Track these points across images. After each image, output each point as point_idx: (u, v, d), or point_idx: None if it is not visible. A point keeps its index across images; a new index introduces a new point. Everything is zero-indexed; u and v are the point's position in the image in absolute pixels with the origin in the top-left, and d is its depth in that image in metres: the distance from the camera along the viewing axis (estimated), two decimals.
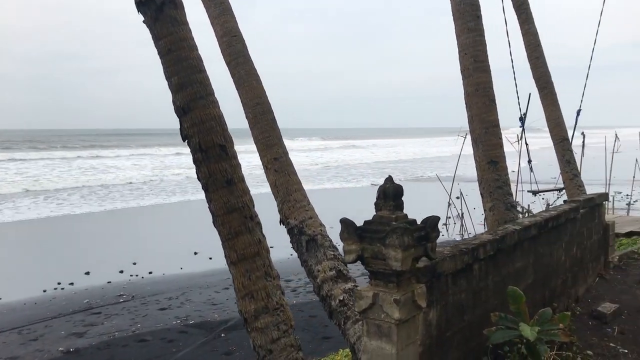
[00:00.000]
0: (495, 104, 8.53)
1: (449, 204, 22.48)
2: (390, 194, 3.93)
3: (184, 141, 4.60)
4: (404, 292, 3.81)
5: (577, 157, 25.60)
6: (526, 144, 14.26)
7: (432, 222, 4.00)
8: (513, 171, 17.82)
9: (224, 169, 4.49)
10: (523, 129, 14.15)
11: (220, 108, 4.68)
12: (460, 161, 21.82)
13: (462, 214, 22.97)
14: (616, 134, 27.04)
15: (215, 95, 4.68)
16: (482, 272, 5.05)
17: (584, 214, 7.79)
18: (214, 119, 4.51)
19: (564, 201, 7.93)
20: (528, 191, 15.95)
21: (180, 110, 4.50)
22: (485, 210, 8.52)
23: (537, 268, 6.25)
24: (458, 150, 21.19)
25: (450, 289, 4.58)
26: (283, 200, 6.84)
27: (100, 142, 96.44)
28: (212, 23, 7.54)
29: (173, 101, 4.54)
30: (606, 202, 8.71)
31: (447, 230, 22.25)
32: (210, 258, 16.17)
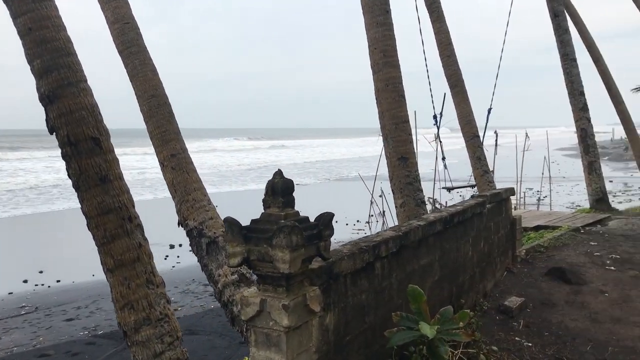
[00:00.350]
0: (405, 100, 8.42)
1: (371, 202, 22.62)
2: (279, 190, 3.58)
3: (50, 134, 4.04)
4: (295, 296, 3.47)
5: (491, 156, 26.52)
6: (440, 142, 14.46)
7: (325, 220, 3.68)
8: (432, 169, 18.06)
9: (97, 165, 3.97)
10: (437, 128, 14.32)
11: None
12: (382, 160, 21.98)
13: (384, 211, 23.20)
14: (526, 134, 28.25)
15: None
16: (384, 270, 4.80)
17: (490, 209, 7.81)
18: (85, 109, 3.98)
19: (471, 196, 7.92)
20: (442, 188, 16.20)
21: (45, 98, 3.94)
22: (396, 206, 8.40)
23: (444, 264, 6.12)
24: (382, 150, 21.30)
25: (350, 289, 4.29)
26: (181, 200, 6.35)
27: (12, 142, 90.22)
28: (102, 8, 6.92)
29: (37, 88, 3.97)
30: (513, 196, 8.81)
31: (370, 228, 22.38)
32: None
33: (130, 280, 3.98)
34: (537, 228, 12.53)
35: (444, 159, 14.79)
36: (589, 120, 14.86)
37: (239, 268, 5.96)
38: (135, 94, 6.75)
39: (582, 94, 14.94)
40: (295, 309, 3.45)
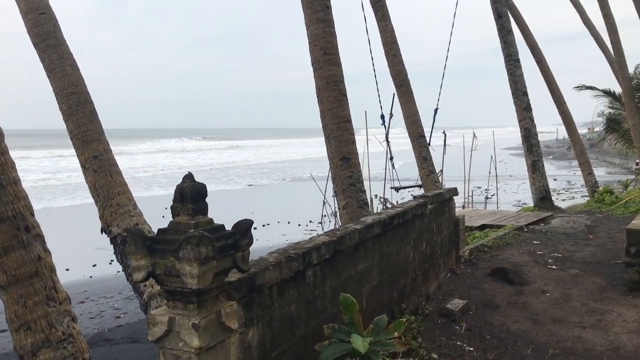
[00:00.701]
0: (347, 99, 8.15)
1: (324, 203, 22.39)
2: (188, 195, 3.20)
3: None
4: (207, 313, 3.11)
5: (439, 155, 26.72)
6: (387, 142, 14.34)
7: (242, 228, 3.33)
8: (384, 169, 17.91)
9: None
10: (385, 128, 14.17)
11: None
12: None
13: (336, 212, 23.02)
14: (474, 134, 28.68)
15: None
16: (317, 278, 4.49)
17: (433, 210, 7.63)
18: None
19: (413, 197, 7.73)
20: (391, 188, 16.09)
21: None
22: (339, 208, 8.12)
23: (384, 268, 5.87)
24: None
25: (277, 301, 3.95)
26: (104, 205, 5.86)
27: None
28: None
29: None
30: (457, 196, 8.69)
31: (323, 229, 22.14)
32: None
33: (27, 298, 3.53)
34: (482, 227, 12.53)
35: (391, 158, 14.68)
36: (532, 119, 15.05)
37: None
38: (53, 90, 6.22)
39: (526, 94, 15.11)
40: (208, 327, 3.09)
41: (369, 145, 18.07)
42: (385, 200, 22.30)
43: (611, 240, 10.57)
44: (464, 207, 24.58)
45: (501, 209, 22.65)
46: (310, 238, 4.74)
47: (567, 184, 41.80)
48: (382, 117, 13.98)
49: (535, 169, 15.01)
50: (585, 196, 33.02)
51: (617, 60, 20.42)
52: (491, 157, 25.80)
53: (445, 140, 26.11)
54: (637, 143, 19.91)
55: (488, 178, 26.93)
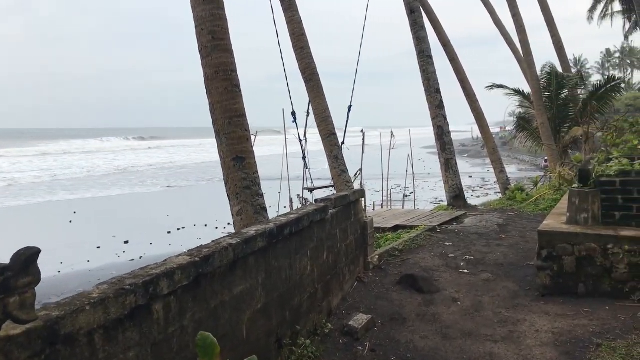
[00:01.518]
0: (240, 91, 7.17)
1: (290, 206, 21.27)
2: None
3: None
4: None
5: (358, 154, 26.20)
6: (299, 140, 13.50)
7: (19, 261, 2.28)
8: (308, 168, 17.00)
9: None
10: (296, 124, 13.31)
11: None
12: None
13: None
14: (392, 132, 28.49)
15: None
16: (171, 312, 3.50)
17: (336, 214, 6.82)
18: None
19: (315, 200, 6.88)
20: (304, 188, 15.28)
21: None
22: (232, 214, 7.12)
23: (272, 287, 4.96)
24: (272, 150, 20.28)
25: (103, 351, 2.92)
26: None
27: None
28: None
29: None
30: (363, 197, 7.94)
31: None
32: None
33: None
34: (395, 228, 11.95)
35: (304, 157, 13.87)
36: (445, 117, 14.73)
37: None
38: None
39: (438, 91, 14.77)
40: None
41: (289, 145, 17.21)
42: (305, 200, 21.52)
43: (523, 240, 10.26)
44: (382, 206, 24.29)
45: (417, 208, 22.48)
46: (165, 260, 3.72)
47: (481, 181, 43.04)
48: (294, 114, 13.12)
49: (449, 167, 14.70)
50: (499, 193, 34.02)
51: (525, 60, 20.75)
52: (408, 155, 25.63)
53: (363, 139, 25.73)
54: (546, 141, 20.33)
55: (405, 176, 26.79)
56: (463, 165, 58.75)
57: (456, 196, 14.66)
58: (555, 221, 7.53)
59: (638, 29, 54.46)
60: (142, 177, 44.86)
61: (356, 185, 24.34)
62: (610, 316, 6.18)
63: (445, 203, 15.59)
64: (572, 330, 5.91)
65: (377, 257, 8.41)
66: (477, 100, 17.85)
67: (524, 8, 20.79)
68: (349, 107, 14.34)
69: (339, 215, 6.93)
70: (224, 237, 4.46)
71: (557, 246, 6.88)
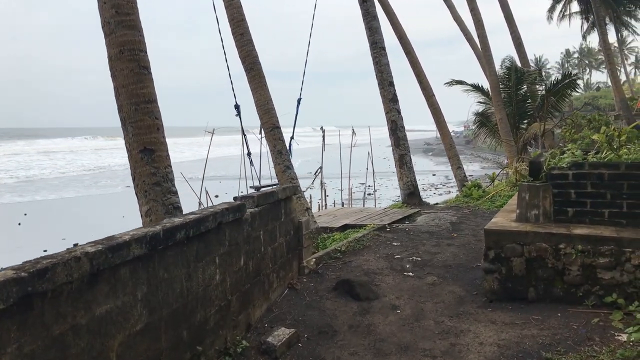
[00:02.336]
0: (150, 74, 6.22)
1: (199, 205, 20.18)
2: None
3: None
4: None
5: (318, 152, 25.36)
6: (244, 135, 12.55)
7: None
8: (253, 165, 15.98)
9: None
10: (240, 118, 12.36)
11: None
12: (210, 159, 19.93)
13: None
14: (353, 130, 27.81)
15: None
16: None
17: (260, 214, 5.95)
18: None
19: (234, 198, 5.99)
20: (251, 187, 14.29)
21: None
22: (141, 215, 6.18)
23: (159, 302, 4.06)
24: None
25: None
26: None
27: None
28: None
29: None
30: (296, 195, 7.09)
31: None
32: None
33: None
34: (344, 227, 11.14)
35: (249, 154, 12.92)
36: (398, 112, 14.01)
37: None
38: None
39: (392, 84, 14.04)
40: None
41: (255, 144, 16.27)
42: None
43: (475, 239, 9.56)
44: (343, 205, 23.54)
45: (379, 206, 21.82)
46: None
47: (445, 178, 42.81)
48: (237, 107, 12.17)
49: (403, 163, 13.98)
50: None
51: (484, 55, 20.27)
52: (368, 153, 24.97)
53: (324, 137, 24.93)
54: (505, 137, 19.88)
55: (366, 174, 26.13)
56: (427, 163, 58.80)
57: (411, 193, 13.96)
58: (504, 219, 6.83)
59: (595, 29, 55.35)
60: (101, 177, 43.13)
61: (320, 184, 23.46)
62: (562, 324, 5.48)
63: (399, 202, 14.87)
64: (519, 342, 5.18)
65: (314, 260, 7.57)
66: (434, 95, 17.23)
67: (483, 9, 20.32)
68: (298, 100, 13.46)
69: (263, 215, 6.06)
70: (85, 244, 3.54)
71: (505, 246, 6.16)
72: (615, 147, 6.74)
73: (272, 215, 6.35)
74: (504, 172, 18.31)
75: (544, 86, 22.47)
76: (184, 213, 5.63)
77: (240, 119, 12.40)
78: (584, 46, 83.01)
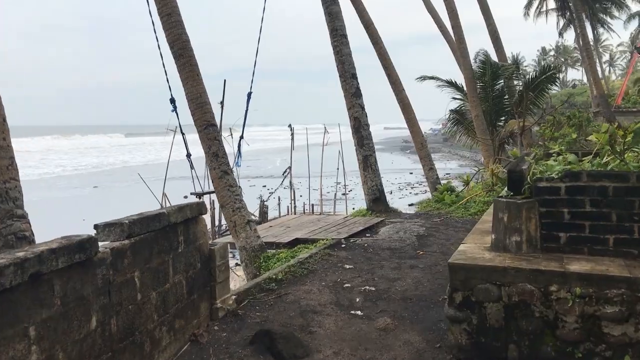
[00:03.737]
0: None
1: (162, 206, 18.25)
2: None
3: None
4: None
5: (287, 151, 23.53)
6: (182, 134, 10.73)
7: None
8: (194, 168, 13.94)
9: None
10: (177, 114, 10.54)
11: None
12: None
13: None
14: (325, 128, 26.08)
15: None
16: None
17: (131, 247, 4.14)
18: None
19: (94, 226, 4.16)
20: (191, 194, 12.48)
21: None
22: None
23: None
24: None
25: None
26: None
27: None
28: None
29: None
30: (202, 214, 5.27)
31: None
32: None
33: None
34: (295, 242, 9.39)
35: (188, 155, 11.12)
36: (362, 107, 12.25)
37: None
38: None
39: (355, 76, 12.28)
40: None
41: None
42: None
43: (444, 258, 7.85)
44: (313, 208, 21.81)
45: (328, 214, 20.14)
46: None
47: (422, 177, 41.25)
48: (172, 101, 10.36)
49: (367, 165, 12.23)
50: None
51: (458, 47, 18.64)
52: (339, 152, 23.25)
53: (292, 136, 23.16)
54: (481, 135, 18.29)
55: (337, 174, 24.42)
56: (405, 161, 57.38)
57: (376, 199, 12.23)
58: (476, 245, 5.11)
59: (571, 26, 54.33)
60: (65, 179, 40.80)
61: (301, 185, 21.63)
62: None
63: (364, 207, 13.13)
64: None
65: (234, 298, 5.77)
66: (404, 90, 15.53)
67: (460, 6, 18.67)
68: (249, 95, 11.69)
69: (140, 249, 4.25)
70: None
71: (476, 287, 4.44)
72: (619, 150, 5.06)
73: (159, 246, 4.54)
74: (480, 173, 16.69)
75: (521, 81, 20.94)
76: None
77: (177, 114, 10.57)
78: (559, 44, 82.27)
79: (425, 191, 33.87)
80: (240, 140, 11.56)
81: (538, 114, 21.18)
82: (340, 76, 12.35)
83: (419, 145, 15.64)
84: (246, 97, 11.56)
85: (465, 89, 19.97)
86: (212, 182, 9.07)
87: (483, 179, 14.76)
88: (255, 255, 8.66)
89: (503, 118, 19.95)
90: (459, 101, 21.74)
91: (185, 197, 19.24)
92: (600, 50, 76.51)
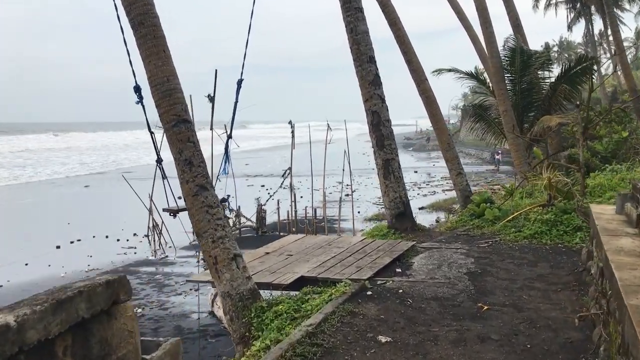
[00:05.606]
0: None
1: (150, 212, 15.60)
2: None
3: None
4: None
5: (288, 149, 20.73)
6: (151, 133, 8.03)
7: None
8: (166, 178, 10.66)
9: None
10: (142, 106, 7.79)
11: None
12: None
13: (156, 224, 16.35)
14: (328, 125, 23.40)
15: None
16: None
17: None
18: None
19: None
20: (164, 210, 9.73)
21: None
22: None
23: None
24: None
25: None
26: None
27: None
28: None
29: None
30: (128, 296, 2.60)
31: (151, 244, 15.93)
32: None
33: None
34: (300, 282, 6.67)
35: (159, 161, 8.41)
36: (382, 99, 9.54)
37: None
38: None
39: (373, 60, 9.57)
40: None
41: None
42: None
43: (521, 318, 5.20)
44: (315, 212, 19.14)
45: (332, 237, 17.46)
46: None
47: (427, 176, 38.61)
48: (137, 90, 7.67)
49: (389, 172, 9.52)
50: (447, 190, 29.43)
51: (484, 33, 15.84)
52: (344, 151, 20.52)
53: (293, 132, 20.43)
54: (509, 132, 15.58)
55: (342, 175, 21.72)
56: (408, 159, 54.57)
57: (400, 214, 9.53)
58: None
59: (581, 19, 51.65)
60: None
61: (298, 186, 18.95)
62: None
63: (384, 221, 10.40)
64: None
65: None
66: (427, 79, 12.83)
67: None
68: (239, 82, 8.96)
69: None
70: None
71: None
72: None
73: None
74: (515, 179, 13.97)
75: (549, 73, 18.22)
76: None
77: (144, 106, 7.83)
78: (563, 39, 79.44)
79: (434, 192, 31.19)
80: (228, 140, 8.88)
81: (572, 109, 18.53)
82: (354, 60, 9.63)
83: (446, 145, 12.93)
84: (236, 86, 8.83)
85: (488, 81, 17.26)
86: (185, 200, 6.35)
87: (522, 187, 12.05)
88: (245, 305, 5.97)
89: (532, 114, 17.26)
90: (478, 94, 19.04)
91: (179, 197, 16.16)
92: (605, 46, 73.96)
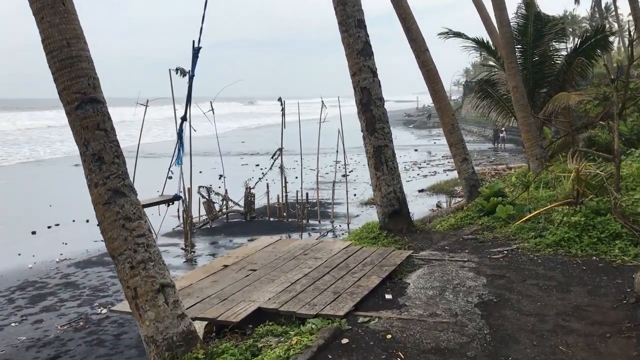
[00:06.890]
0: None
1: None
2: None
3: None
4: None
5: (277, 128, 18.88)
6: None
7: None
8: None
9: None
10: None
11: None
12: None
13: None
14: (322, 102, 21.46)
15: None
16: None
17: None
18: None
19: None
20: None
21: None
22: None
23: None
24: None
25: None
26: None
27: None
28: None
29: None
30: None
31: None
32: None
33: None
34: (256, 316, 4.92)
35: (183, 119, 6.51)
36: (374, 72, 7.66)
37: None
38: None
39: (362, 24, 7.65)
40: None
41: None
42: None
43: None
44: (307, 196, 17.42)
45: (315, 242, 15.75)
46: None
47: (427, 155, 36.73)
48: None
49: (381, 161, 7.69)
50: (448, 170, 27.60)
51: None
52: (338, 130, 18.64)
53: (283, 110, 18.55)
54: (519, 110, 13.65)
55: (336, 153, 19.88)
56: (408, 137, 52.46)
57: (394, 213, 7.74)
58: None
59: None
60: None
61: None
62: None
63: (375, 218, 8.61)
64: None
65: None
66: (427, 50, 10.84)
67: None
68: (196, 50, 7.10)
69: None
70: None
71: None
72: None
73: None
74: (528, 162, 12.10)
75: (565, 45, 16.21)
76: None
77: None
78: (567, 13, 76.46)
79: (435, 173, 29.34)
80: (181, 123, 7.05)
81: (583, 86, 16.56)
82: (339, 23, 7.71)
83: (449, 127, 10.98)
84: (191, 54, 6.97)
85: (498, 51, 15.28)
86: (94, 209, 4.58)
87: (534, 173, 10.23)
88: (174, 356, 4.25)
89: (544, 90, 15.32)
90: (485, 67, 17.04)
91: (170, 177, 14.28)
92: (610, 20, 71.28)
